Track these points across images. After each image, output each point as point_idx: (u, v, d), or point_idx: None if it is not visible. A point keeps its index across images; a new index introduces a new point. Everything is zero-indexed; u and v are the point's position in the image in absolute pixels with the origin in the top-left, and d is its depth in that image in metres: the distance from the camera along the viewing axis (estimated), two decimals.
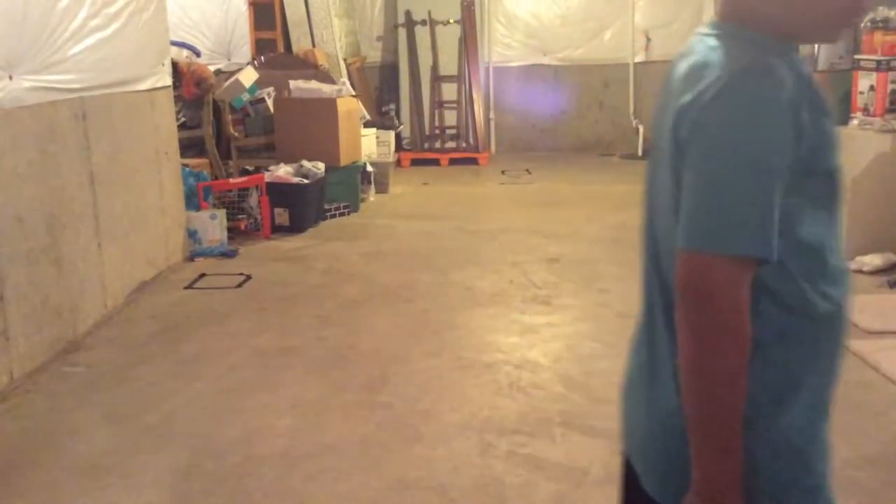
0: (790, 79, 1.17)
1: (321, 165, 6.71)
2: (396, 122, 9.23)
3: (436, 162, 9.71)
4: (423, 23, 9.74)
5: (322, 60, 8.46)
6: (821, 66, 5.86)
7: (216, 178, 6.69)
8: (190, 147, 6.73)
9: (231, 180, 6.37)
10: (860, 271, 5.02)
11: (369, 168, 7.66)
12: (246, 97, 7.17)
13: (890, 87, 5.22)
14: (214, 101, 7.05)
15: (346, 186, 7.09)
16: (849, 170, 5.19)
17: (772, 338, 1.23)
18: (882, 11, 5.33)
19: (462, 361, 3.80)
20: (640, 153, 10.11)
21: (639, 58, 10.54)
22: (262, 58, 7.98)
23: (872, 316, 4.20)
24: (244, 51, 9.02)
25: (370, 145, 8.15)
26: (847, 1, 1.25)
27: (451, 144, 9.92)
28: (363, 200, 7.46)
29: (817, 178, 1.22)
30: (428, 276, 5.19)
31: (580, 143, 10.78)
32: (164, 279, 5.15)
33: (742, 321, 1.16)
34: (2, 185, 3.48)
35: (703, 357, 1.17)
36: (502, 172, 9.20)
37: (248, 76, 7.16)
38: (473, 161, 9.74)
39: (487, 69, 10.42)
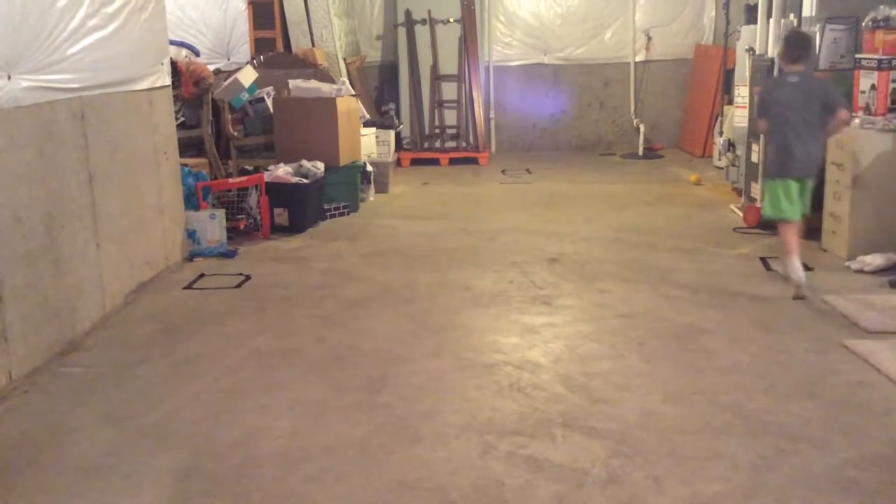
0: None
1: (321, 165, 6.70)
2: (396, 121, 9.22)
3: (436, 162, 9.70)
4: (423, 22, 9.73)
5: (321, 60, 8.45)
6: (822, 65, 5.84)
7: (215, 178, 6.68)
8: (189, 147, 6.72)
9: (230, 180, 6.36)
10: (862, 271, 5.01)
11: (369, 168, 7.65)
12: (245, 97, 7.16)
13: (891, 86, 5.21)
14: (213, 101, 7.04)
15: (346, 186, 7.08)
16: (851, 169, 5.19)
17: None
18: (883, 10, 5.31)
19: (462, 362, 3.79)
20: (640, 152, 10.10)
21: (639, 57, 10.53)
22: (262, 57, 7.97)
23: (873, 316, 4.19)
24: (243, 50, 9.01)
25: (370, 145, 8.14)
26: None
27: (451, 144, 9.91)
28: (363, 200, 7.45)
29: None
30: (428, 276, 5.17)
31: (581, 142, 10.77)
32: (163, 279, 5.14)
33: None
34: (0, 185, 3.47)
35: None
36: (502, 172, 9.19)
37: (248, 75, 7.15)
38: (473, 161, 9.73)
39: (487, 68, 10.41)
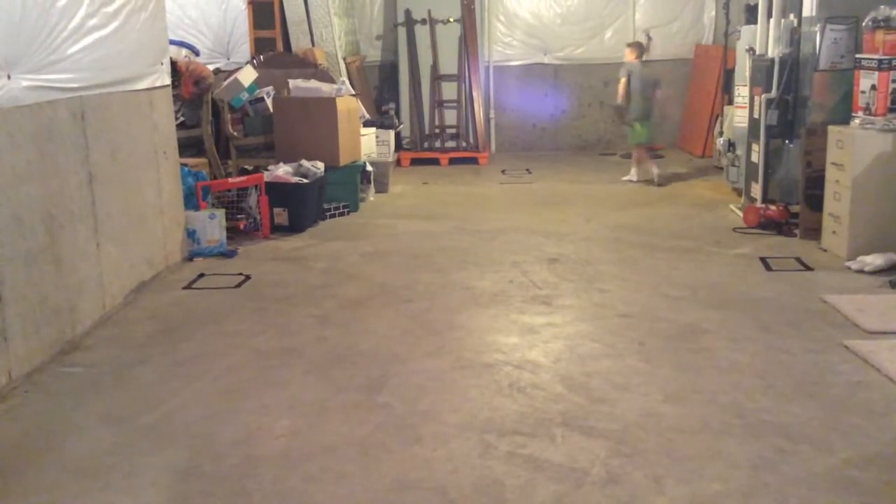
0: None
1: (320, 165, 6.70)
2: (396, 121, 9.22)
3: (436, 161, 9.70)
4: (423, 21, 9.73)
5: (321, 59, 8.45)
6: (822, 65, 5.84)
7: (215, 178, 6.68)
8: (189, 146, 6.72)
9: (230, 180, 6.35)
10: (862, 271, 5.01)
11: (369, 167, 7.65)
12: (245, 96, 7.16)
13: (891, 86, 5.21)
14: (213, 101, 7.04)
15: (346, 186, 7.08)
16: (850, 169, 5.19)
17: None
18: (883, 10, 5.31)
19: (462, 362, 3.79)
20: None
21: None
22: (262, 57, 7.97)
23: (873, 316, 4.19)
24: (243, 50, 9.02)
25: (370, 145, 8.14)
26: None
27: (451, 144, 9.91)
28: (363, 200, 7.45)
29: None
30: (428, 276, 5.17)
31: (580, 142, 10.77)
32: (163, 279, 5.14)
33: None
34: (0, 184, 3.46)
35: None
36: (502, 172, 9.19)
37: (248, 75, 7.14)
38: (473, 161, 9.73)
39: (487, 68, 10.41)
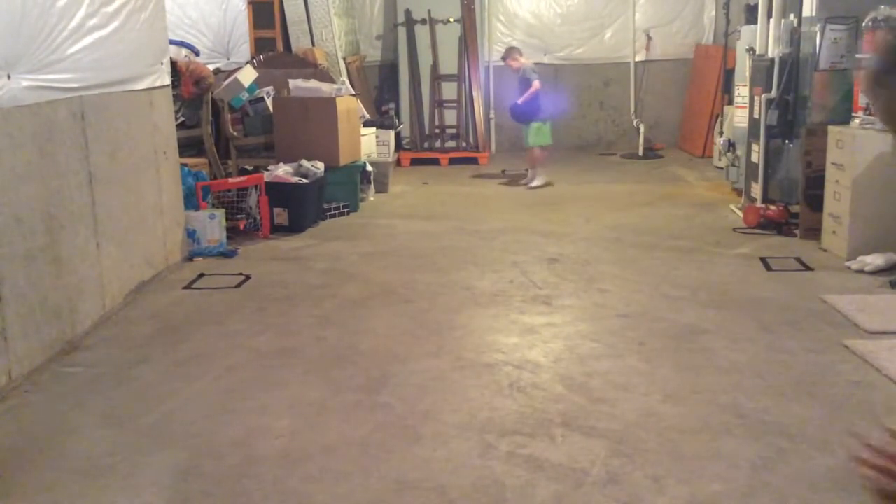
0: None
1: (320, 165, 6.70)
2: (396, 121, 9.22)
3: (436, 161, 9.70)
4: (423, 21, 9.73)
5: (321, 59, 8.45)
6: (822, 65, 5.84)
7: (215, 178, 6.68)
8: (189, 146, 6.72)
9: (230, 180, 6.35)
10: (862, 271, 5.01)
11: (369, 167, 7.65)
12: (245, 96, 7.16)
13: None
14: (213, 101, 7.04)
15: (346, 186, 7.08)
16: (850, 169, 5.18)
17: None
18: (883, 10, 5.31)
19: (462, 362, 3.79)
20: (640, 153, 10.11)
21: (639, 57, 10.53)
22: (262, 57, 7.97)
23: (873, 316, 4.19)
24: (243, 50, 9.02)
25: (370, 145, 8.14)
26: None
27: (450, 144, 9.91)
28: (363, 200, 7.45)
29: None
30: (428, 276, 5.17)
31: (581, 142, 10.77)
32: (163, 279, 5.14)
33: None
34: (0, 184, 3.46)
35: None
36: (502, 172, 9.19)
37: (247, 75, 7.14)
38: (473, 161, 9.73)
39: (487, 68, 10.41)
